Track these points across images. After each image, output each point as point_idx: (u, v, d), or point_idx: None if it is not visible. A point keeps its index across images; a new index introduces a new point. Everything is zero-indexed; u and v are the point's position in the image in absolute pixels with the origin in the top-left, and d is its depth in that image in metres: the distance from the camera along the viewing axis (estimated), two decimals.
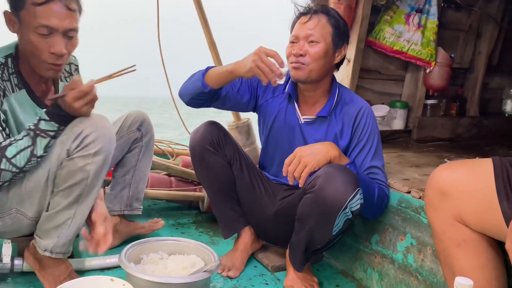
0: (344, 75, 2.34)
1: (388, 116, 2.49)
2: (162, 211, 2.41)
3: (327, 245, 1.56)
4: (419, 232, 1.49)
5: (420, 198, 1.51)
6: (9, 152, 1.27)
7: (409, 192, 1.56)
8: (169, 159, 2.56)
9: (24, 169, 1.30)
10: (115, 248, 1.85)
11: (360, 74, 2.39)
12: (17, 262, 1.51)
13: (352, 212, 1.42)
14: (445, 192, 1.11)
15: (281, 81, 1.45)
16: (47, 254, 1.40)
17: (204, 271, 1.42)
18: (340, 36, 1.60)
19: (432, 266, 1.43)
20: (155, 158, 2.16)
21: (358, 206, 1.41)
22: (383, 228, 1.65)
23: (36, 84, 1.44)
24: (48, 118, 1.31)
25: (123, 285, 1.23)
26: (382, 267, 1.65)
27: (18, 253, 1.57)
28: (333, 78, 1.71)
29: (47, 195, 1.36)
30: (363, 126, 1.63)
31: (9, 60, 1.37)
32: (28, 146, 1.29)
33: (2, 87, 1.34)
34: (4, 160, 1.26)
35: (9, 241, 1.50)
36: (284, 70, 1.45)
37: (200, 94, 1.62)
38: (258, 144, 2.49)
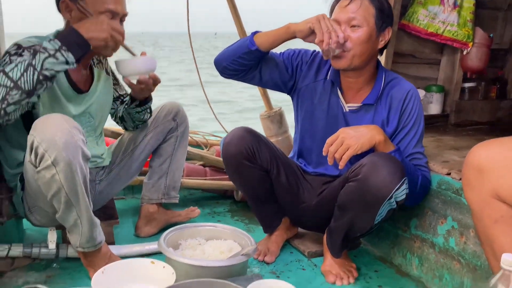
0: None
1: (424, 100, 2.42)
2: (198, 200, 2.44)
3: (367, 233, 1.54)
4: (460, 215, 1.45)
5: (460, 179, 1.46)
6: (8, 67, 1.25)
7: (449, 174, 1.52)
8: (203, 149, 2.59)
9: (19, 83, 1.23)
10: (154, 236, 1.90)
11: (394, 58, 2.32)
12: (62, 248, 1.57)
13: (396, 202, 1.39)
14: (482, 169, 1.09)
15: (337, 51, 1.44)
16: (79, 249, 1.45)
17: (242, 255, 1.44)
18: (384, 18, 1.50)
19: (476, 249, 1.39)
20: (190, 149, 2.19)
21: (404, 196, 1.38)
22: (423, 212, 1.61)
23: (75, 70, 1.50)
24: (53, 38, 1.30)
25: (164, 267, 1.25)
26: (422, 252, 1.61)
27: (62, 239, 1.63)
28: (378, 63, 1.62)
29: (47, 199, 1.38)
30: (410, 110, 1.55)
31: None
32: (26, 59, 1.26)
33: None
34: (1, 74, 1.23)
35: (54, 228, 1.56)
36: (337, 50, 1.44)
37: (243, 55, 1.53)
38: (291, 132, 2.48)
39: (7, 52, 1.36)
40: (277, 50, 1.63)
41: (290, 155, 1.83)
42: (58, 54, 1.28)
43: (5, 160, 1.50)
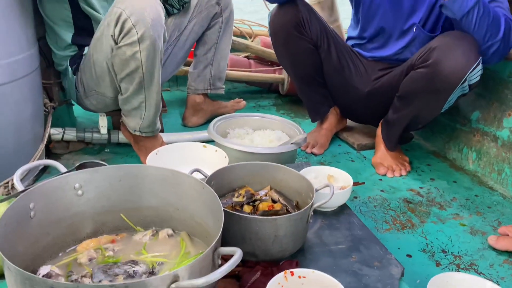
0: None
1: None
2: (242, 94, 2.40)
3: (428, 123, 1.45)
4: None
5: None
6: None
7: None
8: (248, 40, 2.47)
9: None
10: (201, 126, 1.89)
11: None
12: (114, 134, 1.59)
13: (469, 86, 1.28)
14: None
15: None
16: (137, 134, 1.45)
17: (292, 143, 1.40)
18: None
19: None
20: (235, 38, 2.08)
21: (478, 78, 1.26)
22: (487, 104, 1.49)
23: None
24: None
25: (216, 151, 1.25)
26: (481, 146, 1.52)
27: (113, 125, 1.66)
28: None
29: (114, 80, 1.35)
30: None
31: None
32: None
33: None
34: None
35: (104, 114, 1.57)
36: None
37: None
38: (342, 22, 2.30)
39: None
40: None
41: None
42: None
43: (53, 43, 1.46)
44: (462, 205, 1.37)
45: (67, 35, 1.42)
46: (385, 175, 1.53)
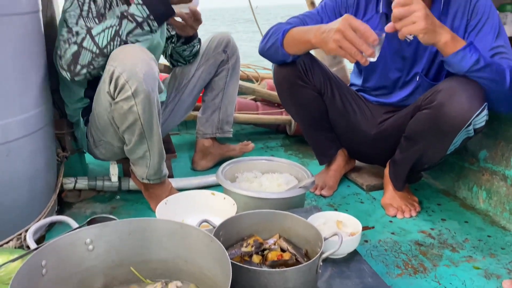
0: None
1: None
2: (250, 135, 2.43)
3: (435, 164, 1.46)
4: None
5: None
6: (95, 30, 1.28)
7: None
8: (254, 83, 2.53)
9: (105, 51, 1.28)
10: (209, 169, 1.92)
11: None
12: (124, 181, 1.62)
13: (474, 130, 1.29)
14: None
15: (374, 59, 1.18)
16: (145, 181, 1.48)
17: (300, 187, 1.41)
18: None
19: None
20: (241, 82, 2.14)
21: (483, 123, 1.28)
22: (494, 143, 1.50)
23: None
24: (141, 2, 1.29)
25: (224, 198, 1.26)
26: (491, 185, 1.52)
27: (124, 173, 1.68)
28: None
29: (117, 131, 1.39)
30: (478, 7, 1.36)
31: None
32: (113, 26, 1.28)
33: (109, 1, 1.41)
34: (88, 37, 1.27)
35: (115, 162, 1.60)
36: (377, 47, 1.17)
37: (285, 62, 1.49)
38: (346, 63, 2.36)
39: None
40: None
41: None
42: (144, 24, 1.30)
43: (66, 96, 1.52)
44: (475, 246, 1.35)
45: (80, 90, 1.48)
46: (395, 216, 1.52)
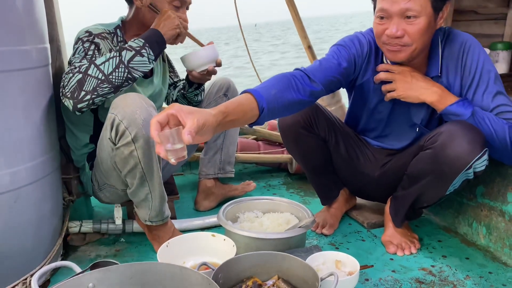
0: None
1: None
2: (253, 174, 2.47)
3: (435, 203, 1.48)
4: None
5: None
6: (99, 61, 1.35)
7: None
8: None
9: (110, 77, 1.34)
10: (212, 209, 1.95)
11: (453, 16, 2.18)
12: (128, 224, 1.65)
13: (474, 173, 1.32)
14: None
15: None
16: (148, 223, 1.52)
17: (300, 227, 1.44)
18: None
19: None
20: None
21: (483, 167, 1.31)
22: (489, 179, 1.52)
23: None
24: (137, 38, 1.42)
25: (224, 240, 1.28)
26: (490, 221, 1.53)
27: (128, 215, 1.72)
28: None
29: (120, 175, 1.45)
30: (470, 62, 1.36)
31: (118, 30, 1.55)
32: (115, 56, 1.36)
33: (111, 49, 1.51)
34: (92, 66, 1.34)
35: (119, 205, 1.64)
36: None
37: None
38: (345, 102, 2.42)
39: (79, 39, 1.44)
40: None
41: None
42: (143, 51, 1.39)
43: (72, 142, 1.59)
44: (477, 283, 1.35)
45: (85, 136, 1.55)
46: (396, 253, 1.53)
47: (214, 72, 1.66)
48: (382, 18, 1.32)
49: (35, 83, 1.29)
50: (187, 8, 1.62)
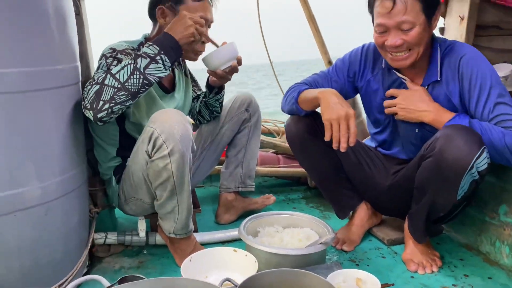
0: (457, 35, 2.14)
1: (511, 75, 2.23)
2: (272, 187, 2.49)
3: (451, 213, 1.48)
4: None
5: None
6: (114, 70, 1.37)
7: None
8: (275, 137, 2.62)
9: (126, 85, 1.35)
10: (233, 222, 1.97)
11: (476, 31, 2.16)
12: (151, 236, 1.69)
13: (479, 173, 1.33)
14: None
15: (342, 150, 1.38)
16: (172, 236, 1.55)
17: (320, 244, 1.45)
18: (431, 4, 1.39)
19: None
20: (263, 137, 2.23)
21: (486, 165, 1.32)
22: None
23: None
24: (151, 43, 1.41)
25: (246, 255, 1.31)
26: None
27: (151, 228, 1.76)
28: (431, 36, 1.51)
29: (150, 188, 1.49)
30: (469, 76, 1.40)
31: (141, 47, 1.58)
32: (130, 63, 1.37)
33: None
34: (108, 75, 1.35)
35: (143, 217, 1.68)
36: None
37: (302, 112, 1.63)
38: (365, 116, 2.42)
39: (103, 55, 1.49)
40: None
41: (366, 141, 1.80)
42: (157, 58, 1.39)
43: (100, 156, 1.64)
44: None
45: (113, 150, 1.60)
46: (416, 271, 1.53)
47: (236, 70, 1.66)
48: (381, 32, 1.44)
49: (66, 100, 1.34)
50: (209, 27, 1.66)
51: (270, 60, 2.55)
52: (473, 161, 1.28)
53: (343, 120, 1.36)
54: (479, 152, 1.28)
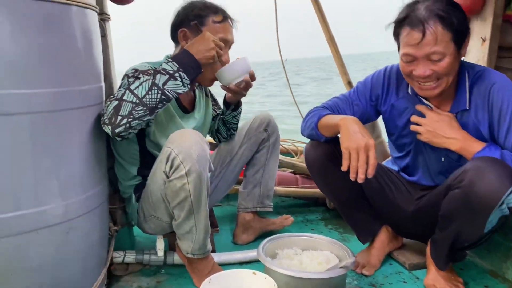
0: (479, 56, 2.12)
1: None
2: (290, 208, 2.47)
3: (476, 243, 1.44)
4: None
5: None
6: (133, 86, 1.38)
7: None
8: (293, 157, 2.61)
9: (144, 100, 1.35)
10: (250, 243, 1.96)
11: (498, 53, 2.14)
12: (169, 255, 1.69)
13: (509, 208, 1.29)
14: None
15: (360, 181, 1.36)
16: (190, 256, 1.55)
17: (341, 267, 1.42)
18: (461, 33, 1.35)
19: None
20: (281, 157, 2.23)
21: None
22: None
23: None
24: (171, 60, 1.43)
25: (265, 278, 1.29)
26: None
27: (169, 247, 1.76)
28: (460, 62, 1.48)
29: (168, 207, 1.50)
30: (500, 104, 1.37)
31: None
32: (148, 79, 1.38)
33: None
34: (127, 91, 1.36)
35: (161, 236, 1.68)
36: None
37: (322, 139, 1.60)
38: (385, 136, 2.40)
39: (126, 75, 1.52)
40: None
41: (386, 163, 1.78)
42: (176, 75, 1.41)
43: (120, 174, 1.66)
44: None
45: (133, 168, 1.62)
46: None
47: (250, 84, 1.66)
48: (408, 61, 1.40)
49: (91, 120, 1.37)
50: (229, 47, 1.67)
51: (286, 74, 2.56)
52: (504, 197, 1.24)
53: (363, 150, 1.33)
54: (511, 188, 1.24)
